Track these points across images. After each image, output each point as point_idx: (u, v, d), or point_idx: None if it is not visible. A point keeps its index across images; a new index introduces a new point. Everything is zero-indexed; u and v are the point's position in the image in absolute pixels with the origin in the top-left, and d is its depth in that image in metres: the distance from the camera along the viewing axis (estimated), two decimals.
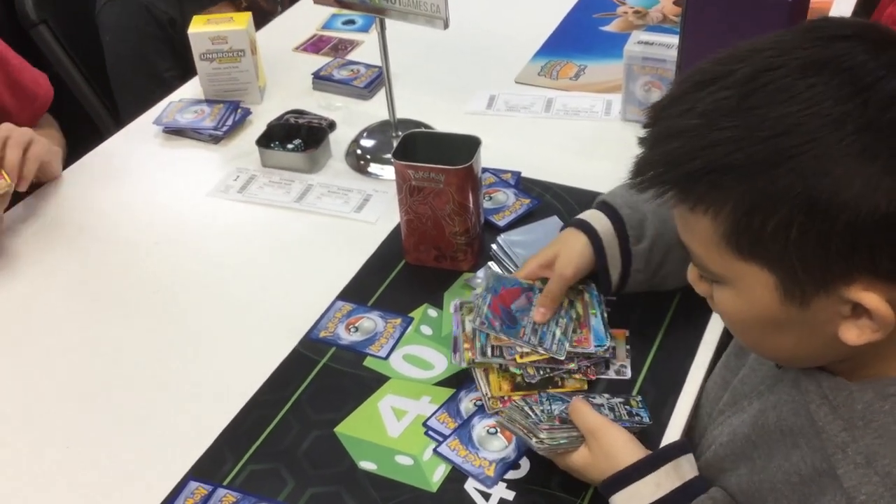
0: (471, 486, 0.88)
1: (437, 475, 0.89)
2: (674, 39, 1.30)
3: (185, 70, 1.85)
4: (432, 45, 1.56)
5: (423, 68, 1.56)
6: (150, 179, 1.37)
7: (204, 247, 1.22)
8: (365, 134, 1.39)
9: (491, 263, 1.11)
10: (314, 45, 1.69)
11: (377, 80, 1.52)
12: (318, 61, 1.60)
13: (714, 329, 1.01)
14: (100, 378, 1.03)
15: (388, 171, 1.31)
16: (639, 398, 0.92)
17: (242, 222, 1.26)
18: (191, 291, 1.14)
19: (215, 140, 1.42)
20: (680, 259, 0.93)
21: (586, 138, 1.36)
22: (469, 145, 1.07)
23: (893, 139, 0.56)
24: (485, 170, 1.24)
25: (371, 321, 1.07)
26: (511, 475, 0.88)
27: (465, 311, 0.98)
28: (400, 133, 1.32)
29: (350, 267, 1.15)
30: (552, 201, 1.23)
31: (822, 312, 0.62)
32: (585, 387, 0.95)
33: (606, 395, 0.91)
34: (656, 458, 0.80)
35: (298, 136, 1.37)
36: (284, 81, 1.56)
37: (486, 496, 0.86)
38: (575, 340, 0.95)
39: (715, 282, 0.68)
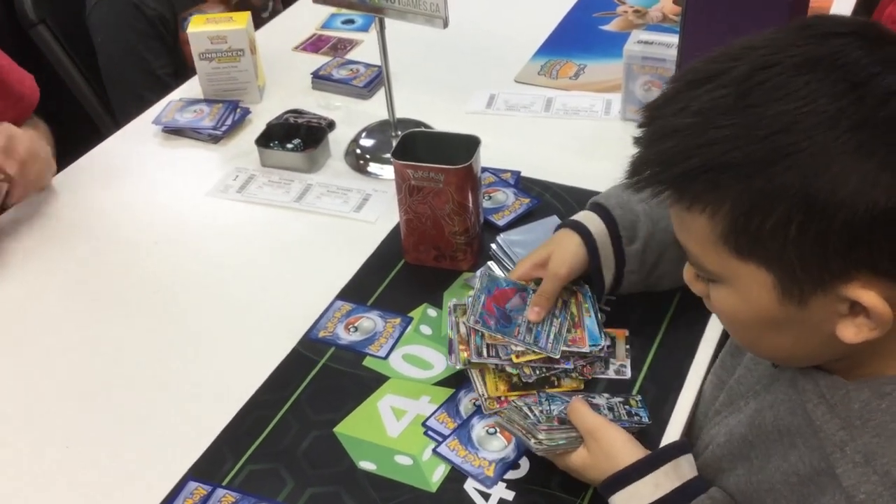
0: (470, 486, 0.88)
1: (436, 475, 0.89)
2: (673, 39, 1.30)
3: (179, 66, 1.86)
4: (431, 44, 1.56)
5: (422, 68, 1.56)
6: (150, 179, 1.37)
7: (203, 246, 1.22)
8: (364, 133, 1.39)
9: (490, 263, 1.11)
10: (313, 44, 1.69)
11: (376, 80, 1.52)
12: (318, 61, 1.60)
13: (714, 328, 1.01)
14: (100, 378, 1.03)
15: (387, 171, 1.31)
16: (638, 398, 0.92)
17: (242, 222, 1.26)
18: (190, 291, 1.14)
19: (214, 140, 1.42)
20: (674, 259, 0.93)
21: (586, 138, 1.36)
22: (468, 145, 1.07)
23: (889, 135, 0.56)
24: (484, 169, 1.24)
25: (370, 321, 1.07)
26: (511, 475, 0.88)
27: (459, 312, 0.98)
28: (399, 132, 1.32)
29: (349, 266, 1.15)
30: (552, 201, 1.23)
31: (820, 311, 0.62)
32: (582, 386, 0.95)
33: (606, 395, 0.91)
34: (655, 459, 0.80)
35: (298, 135, 1.36)
36: (284, 81, 1.56)
37: (486, 496, 0.86)
38: (570, 340, 0.95)
39: (712, 281, 0.68)
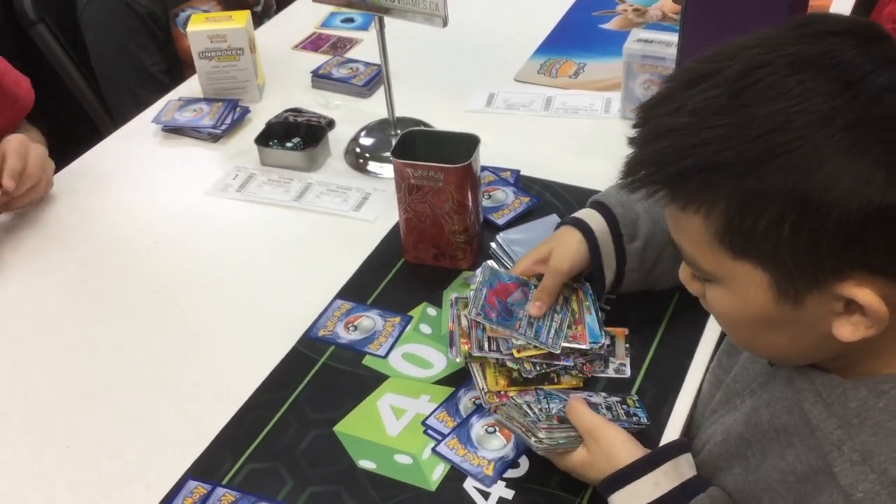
0: (470, 485, 0.88)
1: (436, 474, 0.89)
2: (673, 37, 1.30)
3: (172, 63, 1.86)
4: (431, 43, 1.56)
5: (422, 66, 1.56)
6: (149, 178, 1.37)
7: (203, 246, 1.22)
8: (364, 132, 1.39)
9: (490, 262, 1.11)
10: (313, 43, 1.69)
11: (376, 79, 1.52)
12: (317, 59, 1.60)
13: (713, 328, 1.01)
14: (100, 378, 1.03)
15: (387, 170, 1.31)
16: (635, 397, 0.92)
17: (241, 221, 1.26)
18: (190, 291, 1.14)
19: (214, 139, 1.42)
20: (673, 258, 0.93)
21: (586, 136, 1.36)
22: (468, 144, 1.07)
23: (883, 133, 0.56)
24: (484, 168, 1.24)
25: (370, 320, 1.07)
26: (510, 474, 0.88)
27: (461, 305, 0.98)
28: (399, 131, 1.32)
29: (349, 265, 1.15)
30: (551, 199, 1.23)
31: (816, 309, 0.62)
32: (581, 384, 0.95)
33: (603, 394, 0.91)
34: (655, 458, 0.80)
35: (297, 134, 1.36)
36: (283, 80, 1.56)
37: (486, 495, 0.87)
38: (570, 336, 0.95)
39: (707, 281, 0.68)
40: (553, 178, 1.27)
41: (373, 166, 1.33)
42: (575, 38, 1.63)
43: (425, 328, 1.05)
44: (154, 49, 1.84)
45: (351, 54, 1.63)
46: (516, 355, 0.92)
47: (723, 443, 0.79)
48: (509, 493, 0.87)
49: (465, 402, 0.95)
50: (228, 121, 1.43)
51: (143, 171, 1.38)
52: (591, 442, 0.82)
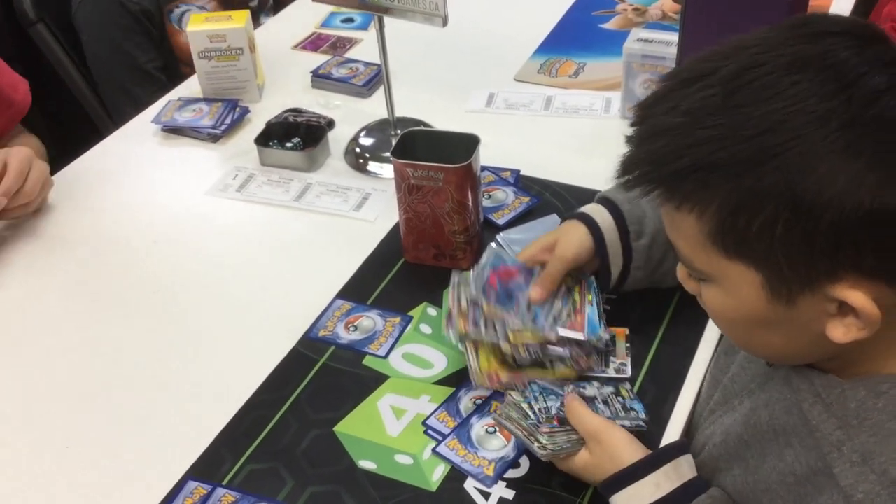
0: (470, 485, 0.87)
1: (436, 474, 0.89)
2: (673, 37, 1.30)
3: (168, 60, 1.86)
4: (431, 42, 1.56)
5: (421, 66, 1.56)
6: (149, 178, 1.37)
7: (203, 246, 1.22)
8: (364, 132, 1.39)
9: (495, 245, 1.11)
10: (313, 43, 1.69)
11: (376, 78, 1.52)
12: (317, 59, 1.60)
13: (714, 327, 1.01)
14: (100, 378, 1.03)
15: (387, 170, 1.31)
16: (627, 386, 0.92)
17: (241, 221, 1.26)
18: (190, 291, 1.14)
19: (214, 139, 1.42)
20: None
21: (586, 136, 1.36)
22: (468, 143, 1.07)
23: (877, 135, 0.56)
24: (484, 168, 1.23)
25: (370, 320, 1.07)
26: (511, 474, 0.88)
27: (463, 284, 0.98)
28: (399, 131, 1.32)
29: (349, 265, 1.15)
30: (551, 199, 1.23)
31: (809, 310, 0.62)
32: (575, 375, 0.94)
33: (596, 384, 0.90)
34: (656, 459, 0.80)
35: (297, 134, 1.36)
36: (283, 80, 1.56)
37: (486, 495, 0.86)
38: (568, 325, 0.94)
39: (703, 280, 0.68)
40: (553, 178, 1.27)
41: (373, 166, 1.33)
42: (575, 38, 1.63)
43: (425, 328, 1.05)
44: (149, 46, 1.84)
45: (351, 54, 1.63)
46: (511, 340, 0.92)
47: (722, 444, 0.79)
48: (510, 494, 0.86)
49: (466, 402, 0.95)
50: (228, 121, 1.43)
51: (142, 171, 1.38)
52: (595, 444, 0.82)
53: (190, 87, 1.54)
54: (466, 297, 0.95)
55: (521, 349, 0.92)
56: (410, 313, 1.07)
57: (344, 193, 1.28)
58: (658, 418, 0.91)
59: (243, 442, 0.93)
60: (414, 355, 1.02)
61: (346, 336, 1.05)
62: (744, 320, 0.67)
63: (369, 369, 1.01)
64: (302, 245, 1.21)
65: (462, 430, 0.92)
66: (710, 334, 1.00)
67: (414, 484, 0.88)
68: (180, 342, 1.07)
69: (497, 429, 0.92)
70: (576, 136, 1.37)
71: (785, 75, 0.58)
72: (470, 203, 1.08)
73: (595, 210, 0.99)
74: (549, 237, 0.99)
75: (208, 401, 0.99)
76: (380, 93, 1.42)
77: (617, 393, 0.90)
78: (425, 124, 1.38)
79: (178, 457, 0.92)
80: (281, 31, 1.74)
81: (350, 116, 1.44)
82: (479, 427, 0.92)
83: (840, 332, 0.62)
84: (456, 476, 0.88)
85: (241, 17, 1.45)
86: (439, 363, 1.01)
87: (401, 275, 1.13)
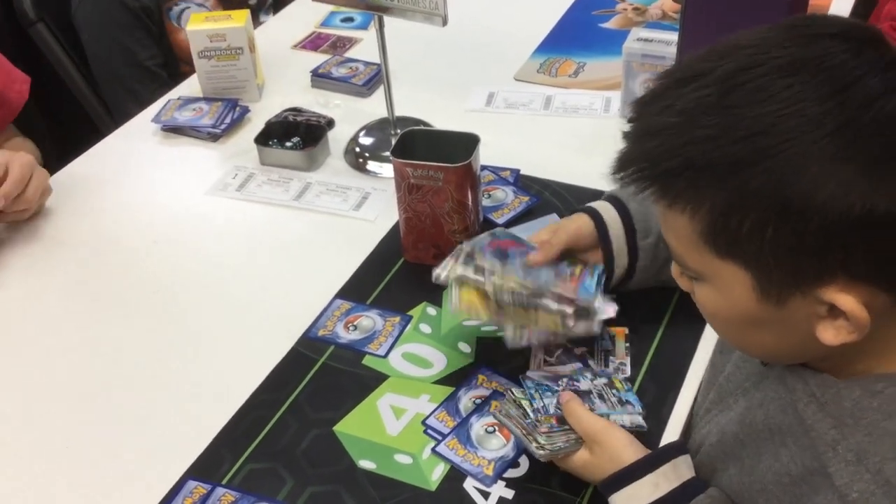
0: (470, 484, 0.88)
1: (436, 474, 0.89)
2: (673, 36, 1.30)
3: (168, 57, 1.86)
4: (431, 42, 1.56)
5: (421, 66, 1.56)
6: (149, 178, 1.37)
7: (203, 245, 1.22)
8: (363, 132, 1.39)
9: (463, 245, 1.11)
10: (312, 42, 1.69)
11: (376, 78, 1.52)
12: (317, 59, 1.60)
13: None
14: (100, 378, 1.03)
15: (386, 169, 1.31)
16: (620, 377, 0.92)
17: (241, 221, 1.26)
18: (189, 290, 1.14)
19: (214, 138, 1.42)
20: None
21: (585, 136, 1.36)
22: (468, 143, 1.07)
23: (869, 140, 0.56)
24: (483, 167, 1.23)
25: (370, 319, 1.07)
26: (510, 474, 0.88)
27: (466, 251, 0.97)
28: (398, 131, 1.32)
29: (349, 265, 1.15)
30: (551, 199, 1.23)
31: (799, 312, 0.62)
32: (560, 328, 0.92)
33: (589, 376, 0.90)
34: (655, 459, 0.80)
35: (297, 133, 1.36)
36: (283, 79, 1.56)
37: (486, 495, 0.86)
38: (561, 286, 0.93)
39: (695, 278, 0.68)
40: (553, 178, 1.27)
41: (372, 166, 1.33)
42: (575, 38, 1.63)
43: (425, 328, 1.05)
44: (149, 43, 1.84)
45: (350, 53, 1.63)
46: (497, 282, 0.91)
47: (718, 444, 0.79)
48: (509, 493, 0.86)
49: (465, 401, 0.95)
50: (228, 120, 1.43)
51: (142, 171, 1.38)
52: (594, 445, 0.83)
53: (190, 86, 1.54)
54: (465, 252, 0.95)
55: (507, 294, 0.91)
56: (410, 313, 1.07)
57: (344, 193, 1.28)
58: (657, 418, 0.92)
59: (243, 441, 0.93)
60: (413, 355, 1.02)
61: (345, 336, 1.05)
62: (735, 319, 0.67)
63: (369, 369, 1.01)
64: (302, 245, 1.21)
65: (461, 429, 0.92)
66: (710, 334, 1.00)
67: (413, 483, 0.88)
68: (180, 342, 1.07)
69: (497, 428, 0.92)
70: (576, 135, 1.37)
71: (779, 77, 0.58)
72: (470, 202, 1.08)
73: (601, 205, 1.00)
74: (553, 224, 1.01)
75: (208, 401, 0.99)
76: (379, 92, 1.42)
77: (611, 384, 0.90)
78: (425, 124, 1.38)
79: (177, 456, 0.92)
80: (281, 30, 1.74)
81: (350, 116, 1.44)
82: (478, 427, 0.92)
83: (830, 334, 0.62)
84: (455, 476, 0.89)
85: (241, 17, 1.45)
86: (439, 363, 1.01)
87: (400, 274, 1.13)
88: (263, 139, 1.36)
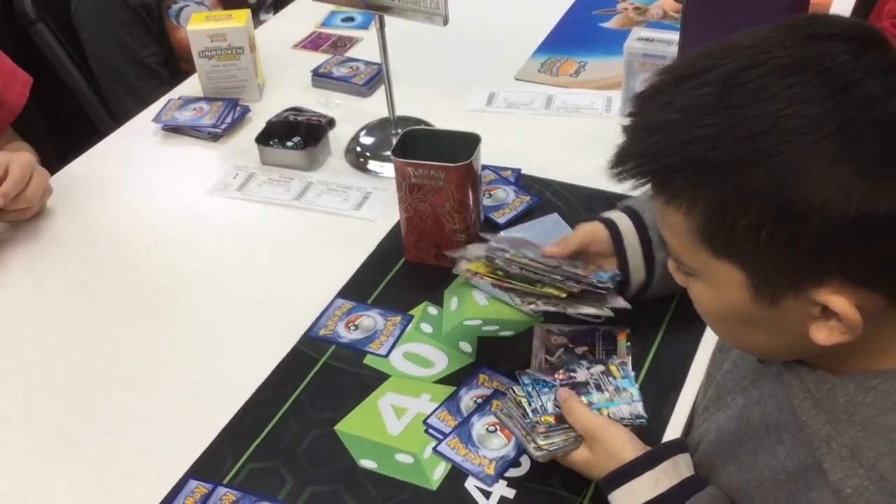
0: (471, 484, 0.87)
1: (437, 473, 0.89)
2: (674, 36, 1.30)
3: (168, 55, 1.86)
4: (432, 41, 1.56)
5: (422, 65, 1.56)
6: (149, 178, 1.37)
7: (203, 245, 1.22)
8: (364, 131, 1.39)
9: (484, 235, 1.11)
10: (313, 42, 1.69)
11: (376, 78, 1.52)
12: (317, 58, 1.60)
13: None
14: (100, 378, 1.03)
15: (387, 169, 1.31)
16: (617, 362, 0.92)
17: (242, 220, 1.26)
18: (190, 290, 1.14)
19: (214, 138, 1.42)
20: None
21: (586, 135, 1.36)
22: (469, 142, 1.07)
23: (869, 142, 0.56)
24: (484, 167, 1.23)
25: (371, 319, 1.06)
26: (511, 473, 0.88)
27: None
28: (399, 130, 1.32)
29: (350, 265, 1.15)
30: (552, 198, 1.23)
31: (792, 312, 0.62)
32: (564, 295, 0.92)
33: (585, 363, 0.91)
34: (655, 456, 0.80)
35: (298, 133, 1.36)
36: (283, 79, 1.56)
37: (487, 494, 0.86)
38: (572, 267, 0.93)
39: (690, 275, 0.68)
40: (554, 177, 1.26)
41: (373, 165, 1.33)
42: (575, 37, 1.63)
43: (426, 327, 1.05)
44: (149, 40, 1.84)
45: (351, 53, 1.63)
46: (507, 256, 0.92)
47: (717, 441, 0.79)
48: (510, 493, 0.86)
49: (467, 401, 0.95)
50: (228, 120, 1.43)
51: (143, 171, 1.38)
52: (594, 442, 0.83)
53: (190, 86, 1.54)
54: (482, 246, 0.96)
55: (515, 266, 0.91)
56: (411, 312, 1.07)
57: (344, 192, 1.28)
58: (658, 418, 0.91)
59: (244, 441, 0.93)
60: (415, 354, 1.02)
61: (346, 335, 1.05)
62: (728, 317, 0.67)
63: (370, 368, 1.01)
64: (302, 244, 1.21)
65: (463, 429, 0.92)
66: (710, 335, 1.00)
67: (414, 483, 0.88)
68: (181, 342, 1.07)
69: (498, 428, 0.92)
70: (576, 135, 1.36)
71: (780, 78, 0.58)
72: (471, 202, 1.08)
73: (615, 215, 1.00)
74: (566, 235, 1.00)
75: (209, 400, 0.99)
76: (380, 92, 1.42)
77: (607, 372, 0.90)
78: (426, 123, 1.38)
79: (178, 456, 0.92)
80: (281, 30, 1.74)
81: (350, 115, 1.44)
82: (479, 426, 0.92)
83: (823, 334, 0.62)
84: (456, 475, 0.88)
85: (242, 17, 1.45)
86: (440, 362, 1.01)
87: (401, 274, 1.13)
88: (264, 139, 1.36)
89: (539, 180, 1.26)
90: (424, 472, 0.89)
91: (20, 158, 1.21)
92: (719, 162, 0.58)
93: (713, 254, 0.62)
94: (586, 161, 1.29)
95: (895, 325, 0.63)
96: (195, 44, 1.44)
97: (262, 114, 1.44)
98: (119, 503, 0.90)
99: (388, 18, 1.22)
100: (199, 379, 1.02)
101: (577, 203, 1.21)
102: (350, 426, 0.94)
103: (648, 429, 0.88)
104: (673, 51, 1.30)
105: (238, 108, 1.45)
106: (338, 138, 1.39)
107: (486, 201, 1.21)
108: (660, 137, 0.61)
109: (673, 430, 0.91)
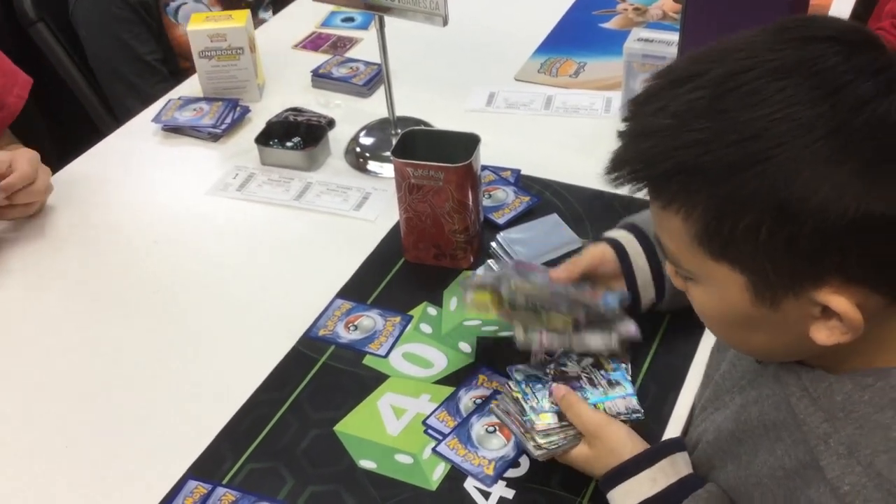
0: (470, 484, 0.87)
1: (436, 474, 0.89)
2: (674, 36, 1.30)
3: (167, 52, 1.86)
4: (431, 42, 1.56)
5: (422, 65, 1.56)
6: (149, 178, 1.37)
7: (203, 245, 1.22)
8: (364, 132, 1.39)
9: (490, 262, 1.11)
10: (313, 42, 1.69)
11: (376, 78, 1.52)
12: (317, 59, 1.60)
13: None
14: (100, 378, 1.03)
15: (387, 169, 1.31)
16: (606, 354, 0.92)
17: (241, 220, 1.26)
18: (190, 290, 1.14)
19: (214, 138, 1.42)
20: None
21: (586, 136, 1.36)
22: (468, 143, 1.07)
23: (862, 143, 0.56)
24: (484, 167, 1.23)
25: (370, 319, 1.07)
26: (511, 473, 0.88)
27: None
28: (399, 131, 1.32)
29: (349, 265, 1.15)
30: (552, 199, 1.23)
31: (793, 313, 0.62)
32: (568, 325, 0.92)
33: (575, 357, 0.91)
34: (653, 454, 0.80)
35: (297, 133, 1.36)
36: (283, 79, 1.56)
37: (486, 494, 0.86)
38: (579, 294, 0.93)
39: (689, 278, 0.68)
40: (553, 178, 1.27)
41: (373, 166, 1.33)
42: (575, 38, 1.63)
43: (426, 328, 1.05)
44: (148, 38, 1.84)
45: (351, 53, 1.63)
46: (513, 286, 0.92)
47: (715, 441, 0.79)
48: (510, 493, 0.86)
49: (466, 401, 0.95)
50: (228, 120, 1.43)
51: (143, 171, 1.38)
52: (594, 440, 0.83)
53: (190, 86, 1.54)
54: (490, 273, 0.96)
55: (521, 296, 0.91)
56: (410, 313, 1.07)
57: (344, 193, 1.28)
58: (658, 417, 0.92)
59: (243, 441, 0.93)
60: (414, 355, 1.02)
61: (346, 335, 1.05)
62: (728, 320, 0.67)
63: (369, 369, 1.01)
64: (302, 244, 1.21)
65: (462, 429, 0.92)
66: (709, 335, 1.00)
67: (414, 483, 0.88)
68: (180, 342, 1.07)
69: (497, 428, 0.92)
70: (576, 135, 1.37)
71: (771, 81, 0.58)
72: (470, 202, 1.08)
73: (620, 235, 0.99)
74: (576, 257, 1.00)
75: (208, 401, 0.99)
76: (380, 92, 1.42)
77: (598, 365, 0.90)
78: (426, 124, 1.38)
79: (178, 456, 0.92)
80: (281, 30, 1.74)
81: (350, 116, 1.44)
82: (479, 426, 0.92)
83: (823, 334, 0.62)
84: (456, 475, 0.88)
85: (242, 17, 1.45)
86: (439, 363, 1.01)
87: (401, 274, 1.13)
88: (264, 139, 1.36)
89: (539, 181, 1.26)
90: (424, 473, 0.89)
91: (26, 154, 1.21)
92: (712, 166, 0.58)
93: (712, 257, 0.63)
94: (586, 161, 1.28)
95: (894, 323, 0.64)
96: (195, 44, 1.44)
97: (262, 114, 1.44)
98: (119, 503, 0.90)
99: (387, 19, 1.22)
100: (199, 379, 1.02)
101: (576, 203, 1.21)
102: (349, 426, 0.94)
103: (648, 428, 0.88)
104: (672, 51, 1.30)
105: (238, 108, 1.46)
106: (337, 139, 1.39)
107: (486, 202, 1.21)
108: (654, 143, 0.61)
109: (673, 430, 0.91)
